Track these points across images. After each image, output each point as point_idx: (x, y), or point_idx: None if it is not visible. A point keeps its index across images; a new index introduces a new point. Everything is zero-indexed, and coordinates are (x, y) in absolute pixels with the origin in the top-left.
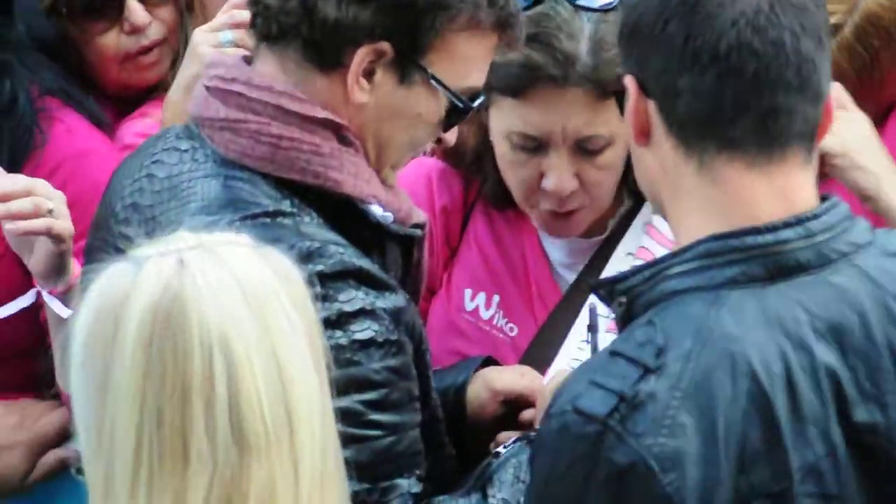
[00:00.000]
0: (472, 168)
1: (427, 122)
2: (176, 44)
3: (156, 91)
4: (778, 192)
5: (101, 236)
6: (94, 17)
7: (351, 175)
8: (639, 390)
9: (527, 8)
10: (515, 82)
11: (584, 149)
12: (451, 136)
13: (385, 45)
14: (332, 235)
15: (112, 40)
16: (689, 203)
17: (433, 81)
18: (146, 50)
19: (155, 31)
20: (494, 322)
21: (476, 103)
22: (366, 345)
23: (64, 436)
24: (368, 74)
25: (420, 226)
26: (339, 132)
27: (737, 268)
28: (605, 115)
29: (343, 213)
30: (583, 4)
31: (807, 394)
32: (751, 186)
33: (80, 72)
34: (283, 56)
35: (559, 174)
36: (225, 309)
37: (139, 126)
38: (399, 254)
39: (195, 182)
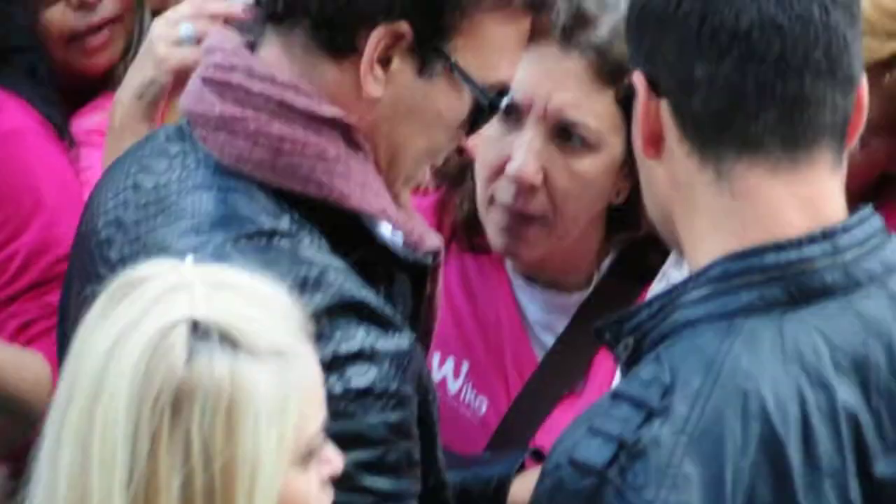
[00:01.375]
0: (454, 181)
1: (448, 122)
2: (131, 25)
3: (111, 82)
4: (804, 202)
5: (81, 262)
6: None
7: (358, 185)
8: (641, 436)
9: None
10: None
11: (563, 134)
12: (475, 146)
13: (403, 26)
14: (333, 260)
15: (58, 16)
16: (704, 219)
17: (457, 73)
18: (95, 28)
19: (106, 8)
20: (462, 397)
21: (504, 102)
22: (362, 394)
23: None
24: (384, 62)
25: (434, 253)
26: (347, 133)
27: (755, 292)
28: (598, 107)
29: (347, 233)
30: None
31: (823, 442)
32: (774, 197)
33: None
34: (289, 40)
35: (525, 154)
36: None
37: (90, 121)
38: (409, 285)
39: (185, 194)
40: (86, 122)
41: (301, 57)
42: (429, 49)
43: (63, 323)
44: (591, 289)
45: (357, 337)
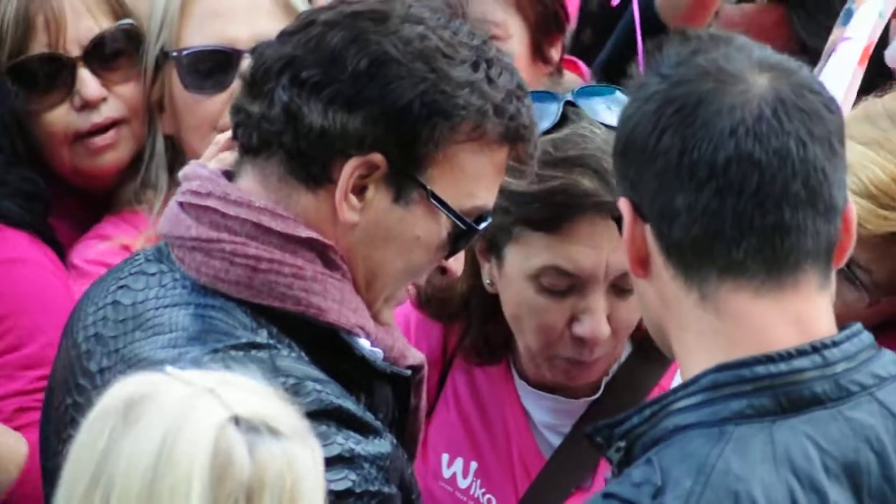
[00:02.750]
0: (455, 318)
1: (426, 246)
2: (140, 129)
3: (118, 203)
4: (792, 320)
5: (62, 373)
6: (42, 89)
7: (336, 302)
8: None
9: (551, 130)
10: (556, 213)
11: (620, 287)
12: (456, 265)
13: (377, 158)
14: (311, 370)
15: (61, 116)
16: (693, 337)
17: (433, 200)
18: (99, 129)
19: (111, 109)
20: (472, 492)
21: (483, 226)
22: (343, 496)
23: None
24: (359, 191)
25: (416, 368)
26: (324, 254)
27: (744, 400)
28: None
29: (326, 345)
30: (612, 124)
31: None
32: (761, 316)
33: (35, 157)
34: (266, 170)
35: (597, 318)
36: None
37: (93, 251)
38: (391, 395)
39: (162, 311)
40: (90, 251)
41: (277, 186)
42: (404, 178)
43: (45, 431)
44: (599, 393)
45: (336, 442)
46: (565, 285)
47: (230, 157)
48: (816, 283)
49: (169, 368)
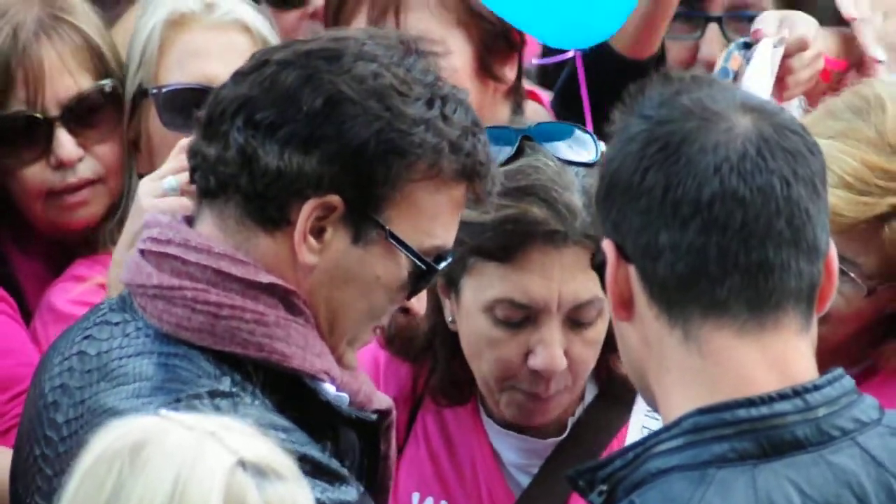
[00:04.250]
0: (421, 357)
1: (387, 286)
2: (117, 186)
3: (88, 246)
4: (772, 362)
5: (30, 423)
6: (19, 147)
7: (300, 348)
8: None
9: (508, 162)
10: (507, 242)
11: (576, 320)
12: (418, 305)
13: (335, 199)
14: (275, 418)
15: (36, 174)
16: (675, 377)
17: (392, 240)
18: (73, 188)
19: (87, 169)
20: None
21: (443, 265)
22: None
23: None
24: (317, 232)
25: (383, 412)
26: (286, 299)
27: (726, 444)
28: (596, 279)
29: (291, 392)
30: (571, 159)
31: None
32: (742, 357)
33: (9, 209)
34: (224, 213)
35: (552, 350)
36: None
37: (75, 293)
38: (356, 441)
39: (126, 360)
40: (71, 293)
41: (235, 229)
42: (362, 219)
43: (14, 482)
44: (566, 433)
45: None
46: (519, 317)
47: (188, 202)
48: (798, 325)
49: (162, 411)
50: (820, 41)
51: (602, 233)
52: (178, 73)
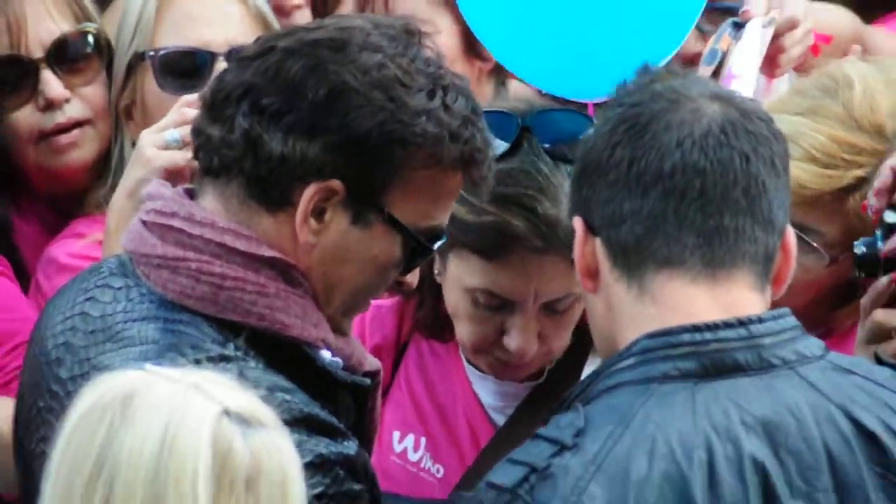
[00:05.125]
0: (410, 295)
1: (383, 264)
2: (106, 130)
3: (81, 208)
4: (723, 306)
5: (32, 377)
6: (6, 92)
7: (298, 317)
8: (551, 463)
9: (502, 157)
10: (491, 246)
11: (552, 308)
12: (412, 278)
13: (336, 184)
14: (278, 380)
15: (25, 116)
16: (633, 329)
17: (390, 223)
18: (63, 129)
19: (75, 109)
20: (422, 465)
21: (437, 245)
22: (317, 498)
23: None
24: (318, 214)
25: (372, 374)
26: (286, 272)
27: (670, 363)
28: (574, 276)
29: (290, 358)
30: (563, 156)
31: (728, 482)
32: (693, 300)
33: (6, 175)
34: (226, 192)
35: (525, 335)
36: None
37: (76, 247)
38: (351, 402)
39: (131, 324)
40: (69, 245)
41: (237, 208)
42: (362, 202)
43: (17, 429)
44: (542, 378)
45: (308, 448)
46: (497, 304)
47: (189, 154)
48: (751, 282)
49: (147, 365)
50: (810, 17)
51: (573, 212)
52: (174, 37)
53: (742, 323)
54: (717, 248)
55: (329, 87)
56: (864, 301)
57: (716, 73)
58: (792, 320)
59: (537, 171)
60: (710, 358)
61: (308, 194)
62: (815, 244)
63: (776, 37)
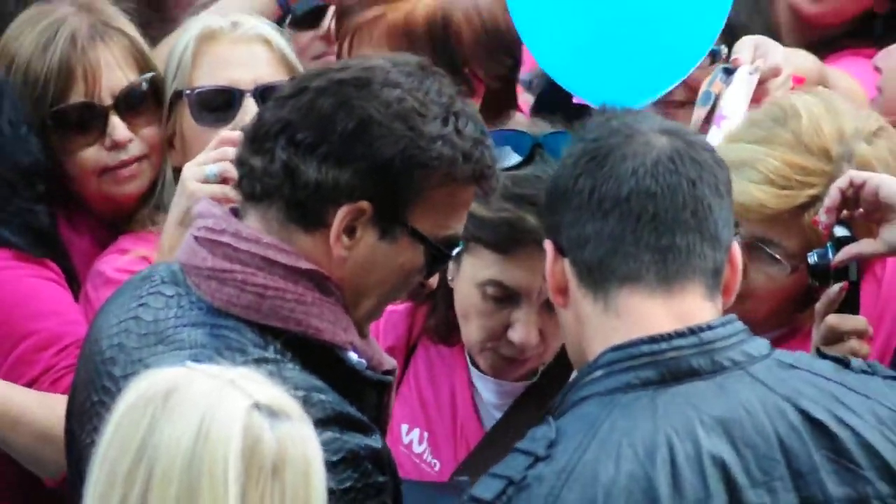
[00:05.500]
0: (424, 300)
1: (408, 273)
2: (158, 162)
3: (130, 226)
4: (677, 316)
5: (87, 374)
6: (78, 132)
7: (330, 323)
8: (527, 475)
9: (518, 166)
10: (503, 239)
11: (553, 306)
12: (432, 281)
13: (365, 205)
14: (314, 381)
15: (92, 154)
16: (600, 340)
17: (413, 236)
18: (125, 164)
19: (135, 148)
20: (424, 457)
21: (455, 251)
22: (346, 492)
23: None
24: (350, 231)
25: (390, 372)
26: (321, 283)
27: (632, 373)
28: None
29: (322, 359)
30: None
31: (689, 478)
32: (651, 313)
33: (62, 187)
34: (267, 215)
35: (528, 329)
36: None
37: (121, 262)
38: (375, 399)
39: (182, 329)
40: (116, 261)
41: (278, 229)
42: (388, 220)
43: (69, 422)
44: (536, 377)
45: (341, 446)
46: (504, 296)
47: (231, 169)
48: (702, 293)
49: (188, 363)
50: (790, 63)
51: (546, 236)
52: (208, 77)
53: (693, 331)
54: (671, 264)
55: (356, 120)
56: (818, 307)
57: (709, 114)
58: (739, 325)
59: (547, 175)
60: (666, 366)
61: (341, 215)
62: (777, 256)
63: (761, 82)
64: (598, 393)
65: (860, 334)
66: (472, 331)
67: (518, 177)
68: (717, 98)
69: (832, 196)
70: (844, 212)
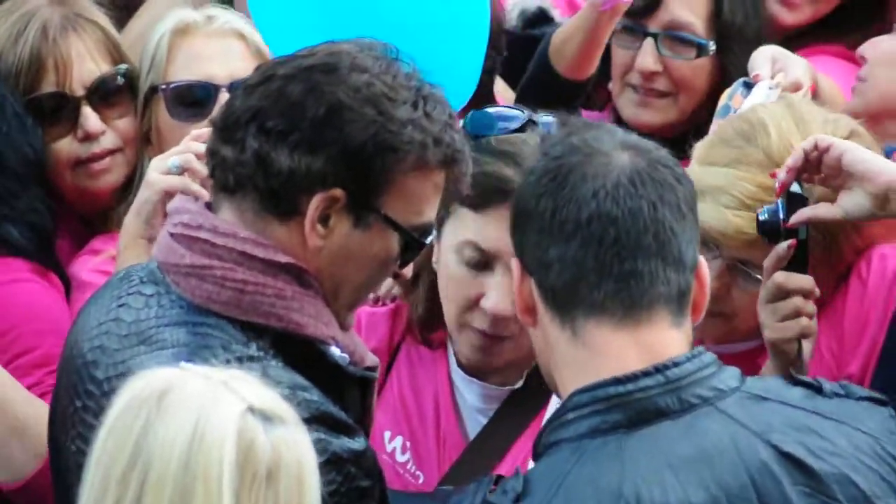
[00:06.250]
0: (408, 291)
1: (382, 261)
2: (133, 156)
3: (106, 223)
4: (645, 349)
5: (68, 378)
6: (51, 123)
7: (311, 317)
8: None
9: (511, 132)
10: (480, 193)
11: None
12: (406, 269)
13: (338, 192)
14: (298, 378)
15: (65, 146)
16: (569, 371)
17: (387, 223)
18: (98, 157)
19: (108, 140)
20: (408, 467)
21: (429, 239)
22: (331, 496)
23: None
24: (324, 220)
25: (373, 368)
26: (300, 276)
27: (599, 417)
28: None
29: (303, 355)
30: None
31: None
32: (618, 347)
33: (42, 182)
34: (242, 206)
35: (499, 295)
36: None
37: (92, 263)
38: (358, 396)
39: (163, 329)
40: (89, 262)
41: (253, 219)
42: (361, 207)
43: (52, 428)
44: (520, 383)
45: (326, 447)
46: (479, 259)
47: (193, 161)
48: (669, 322)
49: (182, 364)
50: (809, 76)
51: (514, 253)
52: (184, 72)
53: (658, 370)
54: (635, 291)
55: (326, 105)
56: (767, 263)
57: None
58: (707, 357)
59: (530, 139)
60: (634, 408)
61: (314, 203)
62: (759, 277)
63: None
64: (567, 439)
65: (806, 293)
66: (450, 308)
67: (504, 136)
68: (737, 112)
69: (796, 155)
70: (804, 175)
